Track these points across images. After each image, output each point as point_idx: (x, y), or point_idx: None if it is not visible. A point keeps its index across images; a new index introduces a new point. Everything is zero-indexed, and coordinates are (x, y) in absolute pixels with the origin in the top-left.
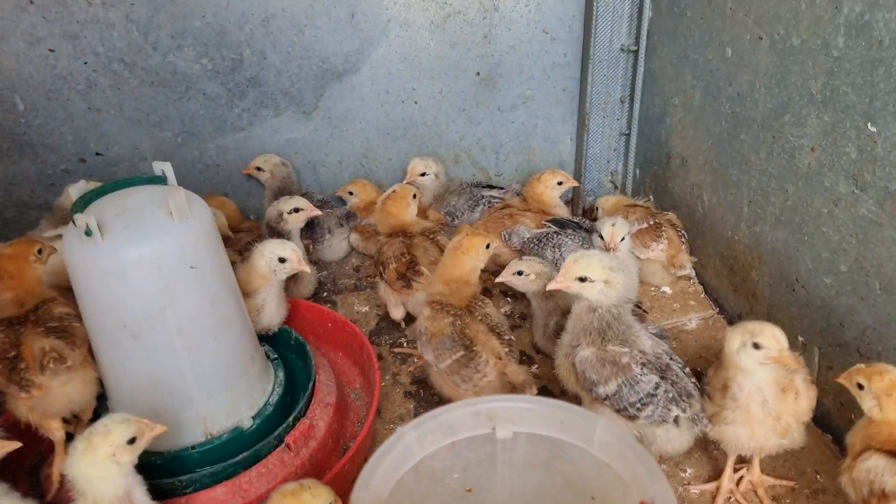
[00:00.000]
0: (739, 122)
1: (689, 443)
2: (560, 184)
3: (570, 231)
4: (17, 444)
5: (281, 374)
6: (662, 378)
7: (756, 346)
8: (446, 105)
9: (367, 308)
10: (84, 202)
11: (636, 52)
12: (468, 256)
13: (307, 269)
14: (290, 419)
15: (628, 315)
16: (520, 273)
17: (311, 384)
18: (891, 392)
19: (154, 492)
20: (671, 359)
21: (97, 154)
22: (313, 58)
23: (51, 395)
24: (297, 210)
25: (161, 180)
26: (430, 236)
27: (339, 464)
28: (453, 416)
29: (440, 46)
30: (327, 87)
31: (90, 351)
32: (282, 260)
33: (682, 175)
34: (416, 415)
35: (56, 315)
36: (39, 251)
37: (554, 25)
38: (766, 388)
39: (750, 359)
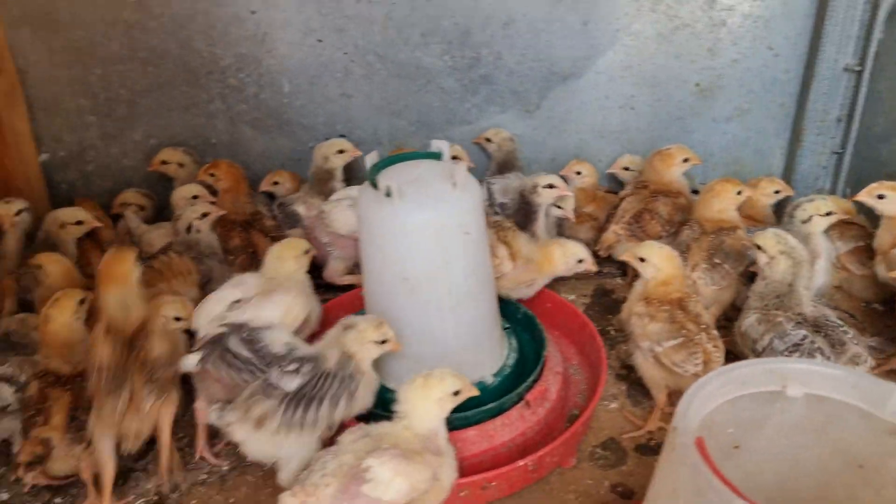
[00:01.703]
0: None
1: None
2: (777, 192)
3: None
4: None
5: (514, 342)
6: (816, 332)
7: None
8: (662, 113)
9: (573, 297)
10: (377, 169)
11: (860, 73)
12: (718, 199)
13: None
14: (530, 380)
15: (798, 295)
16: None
17: (543, 353)
18: None
19: None
20: (828, 321)
21: (341, 135)
22: (543, 61)
23: None
24: (551, 186)
25: (438, 156)
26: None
27: (575, 424)
28: (745, 373)
29: (664, 57)
30: (552, 88)
31: None
32: (580, 261)
33: None
34: (629, 395)
35: None
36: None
37: (779, 42)
38: None
39: None
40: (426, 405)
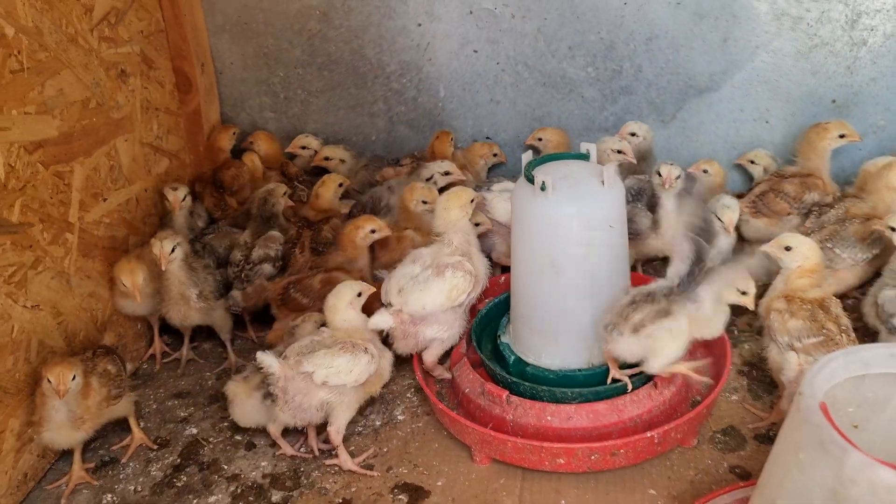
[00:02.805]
0: None
1: None
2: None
3: None
4: None
5: None
6: None
7: None
8: (795, 127)
9: None
10: (533, 165)
11: None
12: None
13: None
14: None
15: None
16: None
17: None
18: None
19: (549, 396)
20: None
21: (487, 137)
22: (681, 74)
23: None
24: (658, 174)
25: (585, 157)
26: None
27: (701, 405)
28: (868, 355)
29: (801, 74)
30: (688, 101)
31: None
32: None
33: None
34: (750, 390)
35: None
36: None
37: None
38: None
39: None
40: None
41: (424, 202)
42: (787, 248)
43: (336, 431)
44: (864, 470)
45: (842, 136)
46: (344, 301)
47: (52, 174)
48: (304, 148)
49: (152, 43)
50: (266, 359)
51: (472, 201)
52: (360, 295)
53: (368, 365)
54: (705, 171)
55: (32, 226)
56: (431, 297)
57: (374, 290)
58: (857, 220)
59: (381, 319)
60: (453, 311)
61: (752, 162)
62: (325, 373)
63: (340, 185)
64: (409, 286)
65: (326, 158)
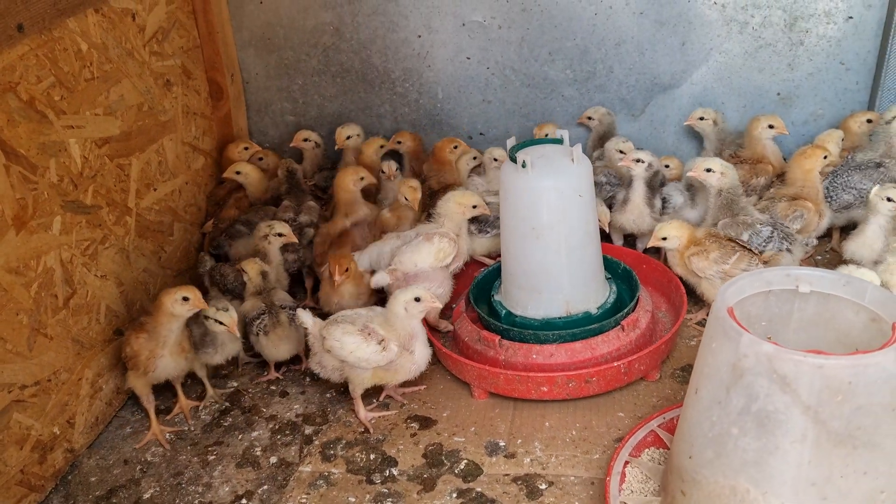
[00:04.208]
0: None
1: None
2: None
3: None
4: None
5: (614, 287)
6: (774, 228)
7: None
8: (747, 117)
9: None
10: (516, 149)
11: None
12: (808, 161)
13: None
14: (625, 311)
15: (743, 200)
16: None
17: (637, 294)
18: None
19: (534, 339)
20: (775, 219)
21: (480, 134)
22: (647, 74)
23: None
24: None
25: (560, 141)
26: None
27: (660, 341)
28: (769, 276)
29: (749, 71)
30: (654, 97)
31: None
32: None
33: None
34: None
35: None
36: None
37: (850, 58)
38: None
39: None
40: None
41: (399, 142)
42: (664, 238)
43: (351, 390)
44: (752, 346)
45: (771, 127)
46: (399, 303)
47: (115, 166)
48: (305, 140)
49: (190, 57)
50: (302, 315)
51: (473, 207)
52: (417, 300)
53: (374, 354)
54: (667, 167)
55: (101, 208)
56: (422, 257)
57: (439, 306)
58: (785, 199)
59: (380, 278)
60: (442, 272)
61: (702, 118)
62: (331, 343)
63: (382, 146)
64: (402, 249)
65: (348, 137)
